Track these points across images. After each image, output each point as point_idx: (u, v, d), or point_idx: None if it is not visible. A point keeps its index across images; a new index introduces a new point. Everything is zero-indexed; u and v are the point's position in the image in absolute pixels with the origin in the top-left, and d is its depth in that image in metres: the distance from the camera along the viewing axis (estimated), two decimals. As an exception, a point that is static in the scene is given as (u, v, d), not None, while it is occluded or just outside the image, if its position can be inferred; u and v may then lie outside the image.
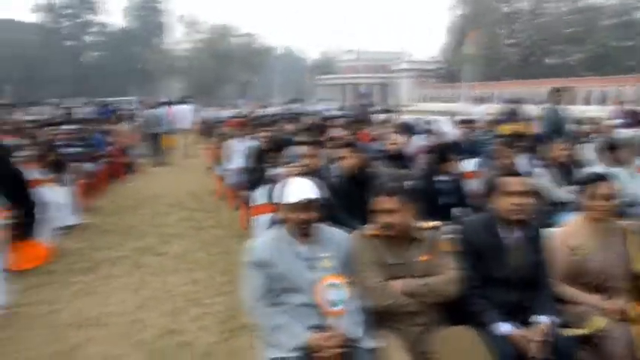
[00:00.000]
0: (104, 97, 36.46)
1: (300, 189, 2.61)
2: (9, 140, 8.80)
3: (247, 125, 10.49)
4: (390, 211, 2.63)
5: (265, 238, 2.75)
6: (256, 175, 5.97)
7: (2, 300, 4.59)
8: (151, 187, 10.77)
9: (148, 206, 8.90)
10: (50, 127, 10.19)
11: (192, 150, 16.07)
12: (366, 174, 4.29)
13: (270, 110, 25.03)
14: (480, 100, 19.25)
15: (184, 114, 16.51)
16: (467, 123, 8.93)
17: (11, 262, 5.12)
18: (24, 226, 5.52)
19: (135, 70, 57.19)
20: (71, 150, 8.93)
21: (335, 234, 2.76)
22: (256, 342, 2.86)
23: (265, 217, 4.22)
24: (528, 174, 4.26)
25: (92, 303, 4.74)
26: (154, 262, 5.88)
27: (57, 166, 7.52)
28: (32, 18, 59.95)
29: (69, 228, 7.09)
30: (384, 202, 2.64)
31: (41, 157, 7.46)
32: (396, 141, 5.97)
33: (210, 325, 4.21)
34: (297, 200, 2.56)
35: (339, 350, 2.40)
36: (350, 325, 2.50)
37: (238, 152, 8.08)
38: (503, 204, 2.80)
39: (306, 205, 2.57)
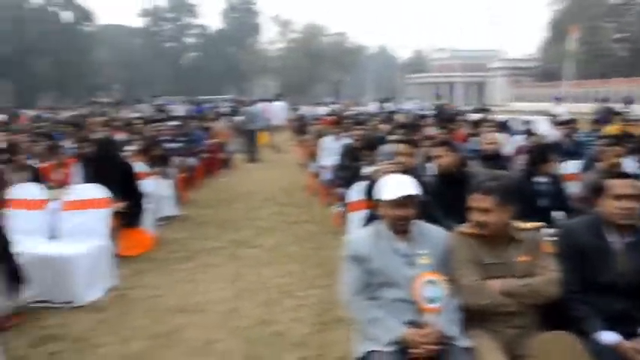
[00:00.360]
0: (200, 96, 38.21)
1: (398, 185, 2.62)
2: (118, 135, 9.44)
3: (341, 123, 10.57)
4: (485, 210, 2.58)
5: (363, 233, 2.79)
6: (350, 172, 6.04)
7: (111, 282, 4.97)
8: (244, 183, 11.12)
9: (242, 200, 9.22)
10: (155, 124, 10.76)
11: (284, 146, 16.41)
12: (462, 173, 4.22)
13: (365, 109, 25.12)
14: (560, 99, 18.40)
15: (277, 111, 16.99)
16: (567, 123, 8.54)
17: (119, 249, 5.52)
18: (131, 216, 5.86)
19: (230, 70, 59.37)
20: (174, 145, 9.38)
21: (432, 231, 2.75)
22: (352, 335, 2.90)
23: (360, 214, 4.26)
24: (637, 177, 4.02)
25: (191, 290, 4.96)
26: (248, 254, 6.08)
27: (161, 160, 7.96)
28: (138, 22, 63.92)
29: (169, 219, 7.49)
30: (480, 201, 2.60)
31: (146, 151, 7.94)
32: (494, 140, 5.83)
33: (304, 317, 4.30)
34: (395, 197, 2.58)
35: (435, 347, 2.40)
36: (446, 323, 2.48)
37: (332, 149, 8.19)
38: (610, 207, 2.67)
39: (404, 201, 2.58)
